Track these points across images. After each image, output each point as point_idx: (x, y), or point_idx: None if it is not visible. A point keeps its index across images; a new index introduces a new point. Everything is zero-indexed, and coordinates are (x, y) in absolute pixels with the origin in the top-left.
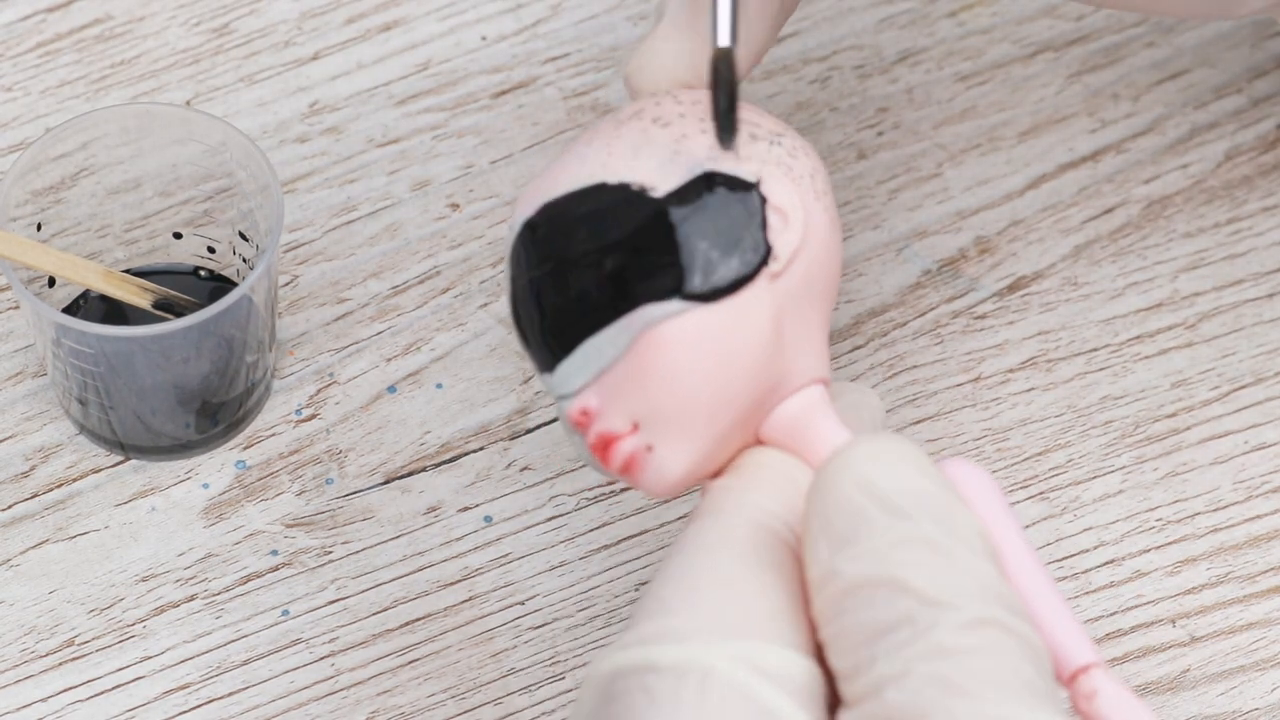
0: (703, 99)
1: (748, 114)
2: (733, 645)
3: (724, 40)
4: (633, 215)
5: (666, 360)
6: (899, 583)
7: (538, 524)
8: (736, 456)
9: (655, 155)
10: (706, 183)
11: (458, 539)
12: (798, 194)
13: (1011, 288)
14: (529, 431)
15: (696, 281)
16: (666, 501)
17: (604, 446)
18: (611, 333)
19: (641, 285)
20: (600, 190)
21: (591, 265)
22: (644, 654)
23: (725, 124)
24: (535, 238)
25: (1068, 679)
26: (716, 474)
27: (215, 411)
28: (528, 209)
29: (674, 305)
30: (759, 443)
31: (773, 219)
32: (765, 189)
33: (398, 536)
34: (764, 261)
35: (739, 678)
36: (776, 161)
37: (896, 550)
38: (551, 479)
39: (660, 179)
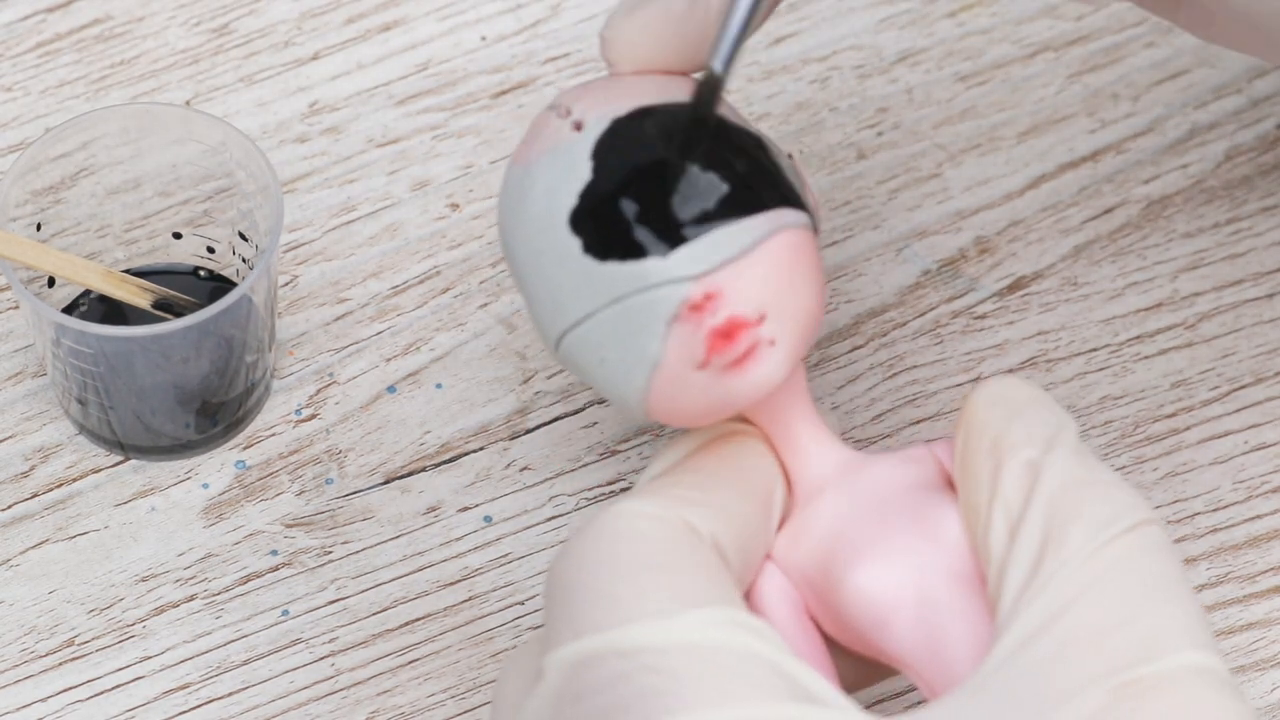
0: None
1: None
2: (705, 612)
3: (719, 66)
4: (749, 138)
5: (802, 261)
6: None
7: (538, 524)
8: (715, 428)
9: (724, 108)
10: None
11: (458, 539)
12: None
13: (1011, 288)
14: (529, 431)
15: (809, 203)
16: None
17: (729, 332)
18: (748, 224)
19: (778, 189)
20: (708, 116)
21: (727, 158)
22: (609, 639)
23: (691, 142)
24: (641, 132)
25: None
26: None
27: (215, 411)
28: (609, 109)
29: (802, 217)
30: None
31: (810, 191)
32: (798, 163)
33: (398, 536)
34: (815, 225)
35: (726, 638)
36: None
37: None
38: (551, 479)
39: (740, 124)
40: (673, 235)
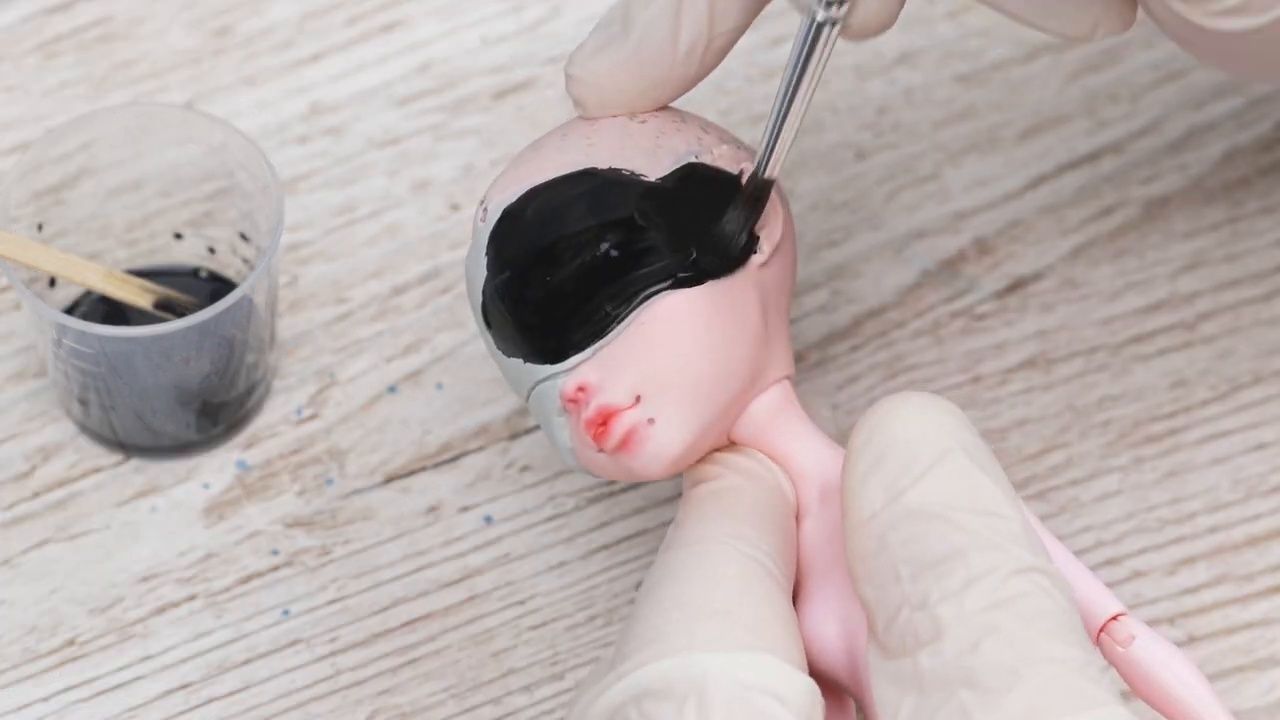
0: (669, 110)
1: (699, 128)
2: (730, 658)
3: (774, 172)
4: (630, 195)
5: (672, 331)
6: (952, 521)
7: (538, 524)
8: (708, 458)
9: (638, 147)
10: (693, 172)
11: (458, 539)
12: (775, 193)
13: (1010, 288)
14: (529, 431)
15: (696, 261)
16: (667, 500)
17: (603, 421)
18: None
19: (643, 262)
20: (591, 174)
21: (591, 241)
22: (636, 680)
23: (733, 239)
24: (522, 220)
25: (1098, 629)
26: (700, 470)
27: (216, 411)
28: (505, 196)
29: (672, 282)
30: (730, 443)
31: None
32: (748, 187)
33: (398, 536)
34: (752, 249)
35: (738, 693)
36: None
37: (949, 486)
38: (551, 479)
39: (648, 167)
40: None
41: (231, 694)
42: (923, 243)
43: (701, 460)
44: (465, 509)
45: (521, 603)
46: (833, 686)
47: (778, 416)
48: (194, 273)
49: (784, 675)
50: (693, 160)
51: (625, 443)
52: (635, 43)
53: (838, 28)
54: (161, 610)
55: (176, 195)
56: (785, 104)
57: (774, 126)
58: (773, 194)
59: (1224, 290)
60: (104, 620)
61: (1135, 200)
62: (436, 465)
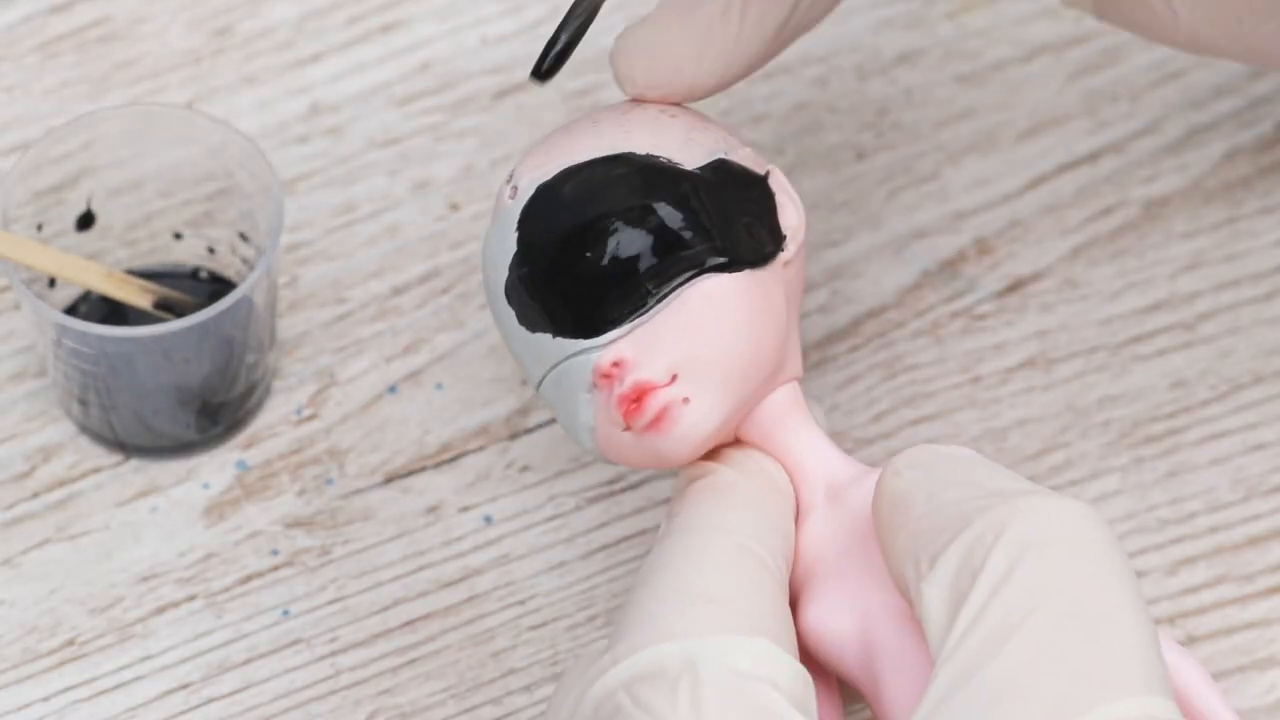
0: (692, 110)
1: (723, 130)
2: (725, 642)
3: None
4: (671, 179)
5: (713, 312)
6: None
7: (538, 524)
8: (712, 455)
9: (672, 138)
10: (724, 166)
11: (458, 539)
12: (798, 197)
13: (1010, 288)
14: (529, 431)
15: (733, 248)
16: (667, 500)
17: (638, 397)
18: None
19: (687, 243)
20: (630, 158)
21: (637, 219)
22: (630, 665)
23: (551, 61)
24: (560, 196)
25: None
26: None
27: (215, 412)
28: (538, 174)
29: (714, 265)
30: (736, 442)
31: (784, 211)
32: (773, 184)
33: (398, 536)
34: (780, 247)
35: (731, 677)
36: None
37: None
38: (551, 479)
39: (683, 158)
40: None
41: (231, 694)
42: (923, 243)
43: (701, 456)
44: (465, 509)
45: (521, 603)
46: (825, 677)
47: (786, 416)
48: (194, 273)
49: (778, 661)
50: (722, 156)
51: (657, 421)
52: (676, 3)
53: None
54: (161, 610)
55: (176, 195)
56: None
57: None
58: (796, 197)
59: (1224, 290)
60: (104, 620)
61: (1135, 200)
62: (436, 465)
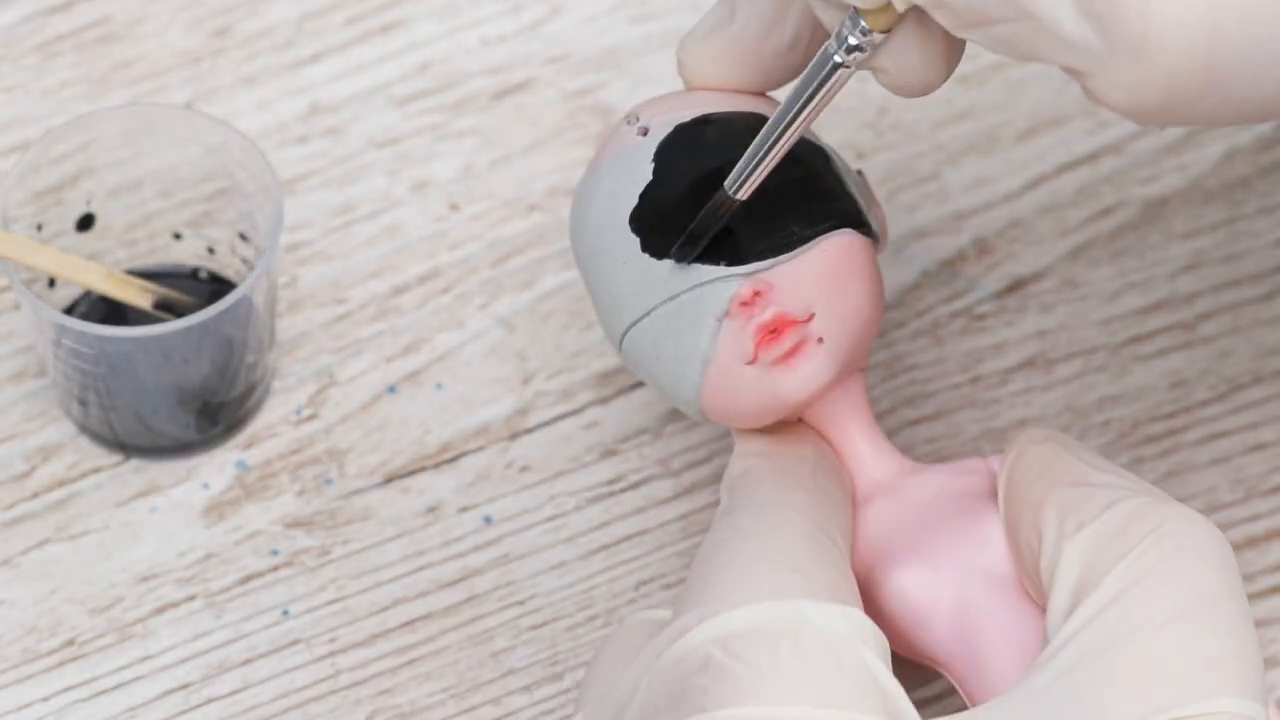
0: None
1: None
2: (823, 607)
3: (745, 195)
4: (809, 140)
5: (851, 265)
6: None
7: (538, 524)
8: (772, 431)
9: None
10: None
11: (458, 539)
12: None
13: (1010, 288)
14: (529, 431)
15: (865, 214)
16: (666, 500)
17: (777, 328)
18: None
19: (833, 200)
20: (760, 116)
21: (790, 163)
22: (721, 623)
23: (688, 247)
24: (704, 135)
25: None
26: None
27: (215, 412)
28: (672, 117)
29: (855, 223)
30: (799, 421)
31: (877, 211)
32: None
33: (398, 536)
34: (876, 236)
35: (831, 639)
36: None
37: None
38: (551, 479)
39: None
40: (728, 232)
41: (231, 694)
42: (923, 243)
43: (760, 432)
44: (465, 509)
45: (521, 603)
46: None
47: (857, 406)
48: (193, 273)
49: (871, 630)
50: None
51: (791, 354)
52: (738, 33)
53: (851, 72)
54: (161, 610)
55: (176, 195)
56: (779, 133)
57: (762, 151)
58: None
59: (1223, 290)
60: (104, 620)
61: (1135, 200)
62: (436, 465)
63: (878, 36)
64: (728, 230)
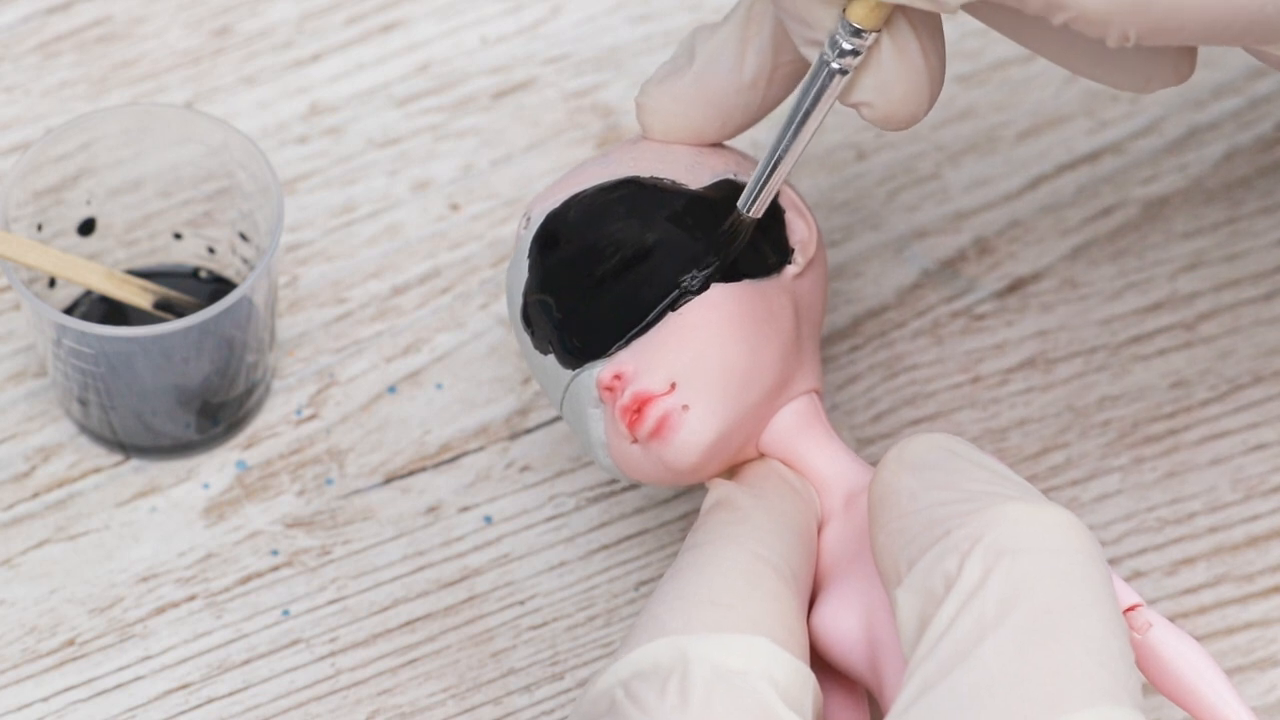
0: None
1: (735, 155)
2: (719, 640)
3: (758, 212)
4: (671, 197)
5: (708, 321)
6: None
7: (538, 524)
8: (736, 469)
9: (679, 163)
10: (731, 185)
11: (458, 539)
12: (809, 212)
13: (1010, 288)
14: (529, 431)
15: (735, 261)
16: (666, 500)
17: (638, 407)
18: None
19: (682, 257)
20: (634, 182)
21: (632, 238)
22: (628, 662)
23: (720, 262)
24: (565, 221)
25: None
26: (729, 474)
27: (215, 412)
28: (548, 204)
29: (711, 277)
30: (759, 455)
31: (793, 226)
32: (783, 201)
33: (398, 536)
34: (787, 259)
35: (721, 673)
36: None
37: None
38: (551, 479)
39: (689, 180)
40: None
41: (231, 694)
42: (922, 243)
43: (723, 474)
44: (465, 509)
45: (521, 603)
46: (847, 680)
47: (805, 427)
48: (194, 273)
49: (774, 658)
50: (730, 177)
51: (659, 429)
52: (698, 72)
53: (847, 77)
54: (161, 610)
55: (176, 195)
56: (784, 146)
57: (768, 167)
58: (807, 211)
59: (1224, 290)
60: (104, 620)
61: (1135, 200)
62: (436, 465)
63: (870, 37)
64: (593, 317)
